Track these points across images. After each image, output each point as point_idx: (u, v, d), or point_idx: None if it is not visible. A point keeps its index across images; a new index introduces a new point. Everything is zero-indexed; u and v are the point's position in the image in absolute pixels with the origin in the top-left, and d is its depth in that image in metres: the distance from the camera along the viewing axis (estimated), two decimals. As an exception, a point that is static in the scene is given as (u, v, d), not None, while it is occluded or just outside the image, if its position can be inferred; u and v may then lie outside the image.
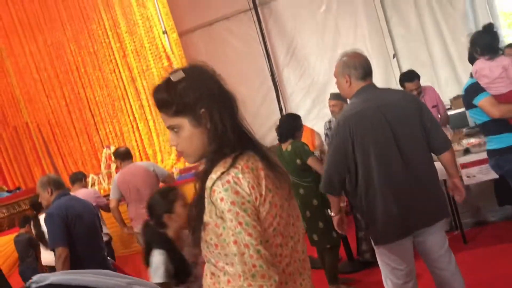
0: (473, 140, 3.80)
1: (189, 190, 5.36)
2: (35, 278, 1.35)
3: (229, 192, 1.25)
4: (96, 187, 5.89)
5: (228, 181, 1.26)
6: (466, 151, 3.72)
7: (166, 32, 5.88)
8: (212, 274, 1.37)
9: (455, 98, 6.18)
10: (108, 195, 5.64)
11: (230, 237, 1.24)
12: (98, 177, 6.16)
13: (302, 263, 1.37)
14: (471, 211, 4.34)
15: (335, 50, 7.10)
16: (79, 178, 5.02)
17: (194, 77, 1.37)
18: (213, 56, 7.20)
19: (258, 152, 1.36)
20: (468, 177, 3.58)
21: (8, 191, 6.00)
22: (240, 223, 1.23)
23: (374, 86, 2.42)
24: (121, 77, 6.75)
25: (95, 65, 6.90)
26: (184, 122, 1.37)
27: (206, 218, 1.32)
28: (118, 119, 6.93)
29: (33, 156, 7.57)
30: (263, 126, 6.49)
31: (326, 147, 4.54)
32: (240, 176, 1.27)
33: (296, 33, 7.25)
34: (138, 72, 6.54)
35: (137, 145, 6.74)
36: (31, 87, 7.30)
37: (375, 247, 2.42)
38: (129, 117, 6.87)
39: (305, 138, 4.20)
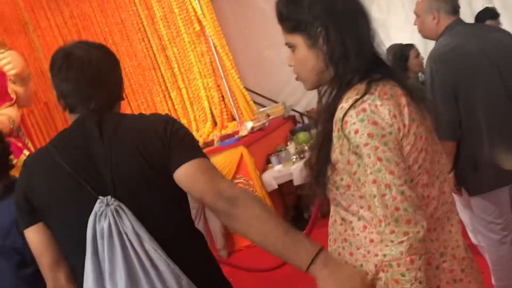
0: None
1: (233, 156, 5.19)
2: None
3: (366, 123, 1.08)
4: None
5: (364, 110, 1.09)
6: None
7: (196, -5, 5.67)
8: (343, 219, 1.22)
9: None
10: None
11: (368, 175, 1.08)
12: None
13: (450, 206, 1.20)
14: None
15: (369, 6, 6.84)
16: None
17: None
18: (241, 20, 6.96)
19: (395, 78, 1.18)
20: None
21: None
22: (379, 159, 1.06)
23: (463, 21, 2.24)
24: (151, 46, 6.60)
25: (123, 34, 6.74)
26: (299, 41, 1.23)
27: (335, 155, 1.15)
28: (150, 89, 6.80)
29: (66, 131, 7.51)
30: (298, 89, 6.30)
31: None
32: (378, 103, 1.09)
33: (328, -8, 6.96)
34: (168, 40, 6.36)
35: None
36: (60, 61, 7.18)
37: (467, 201, 2.26)
38: (160, 86, 6.74)
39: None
